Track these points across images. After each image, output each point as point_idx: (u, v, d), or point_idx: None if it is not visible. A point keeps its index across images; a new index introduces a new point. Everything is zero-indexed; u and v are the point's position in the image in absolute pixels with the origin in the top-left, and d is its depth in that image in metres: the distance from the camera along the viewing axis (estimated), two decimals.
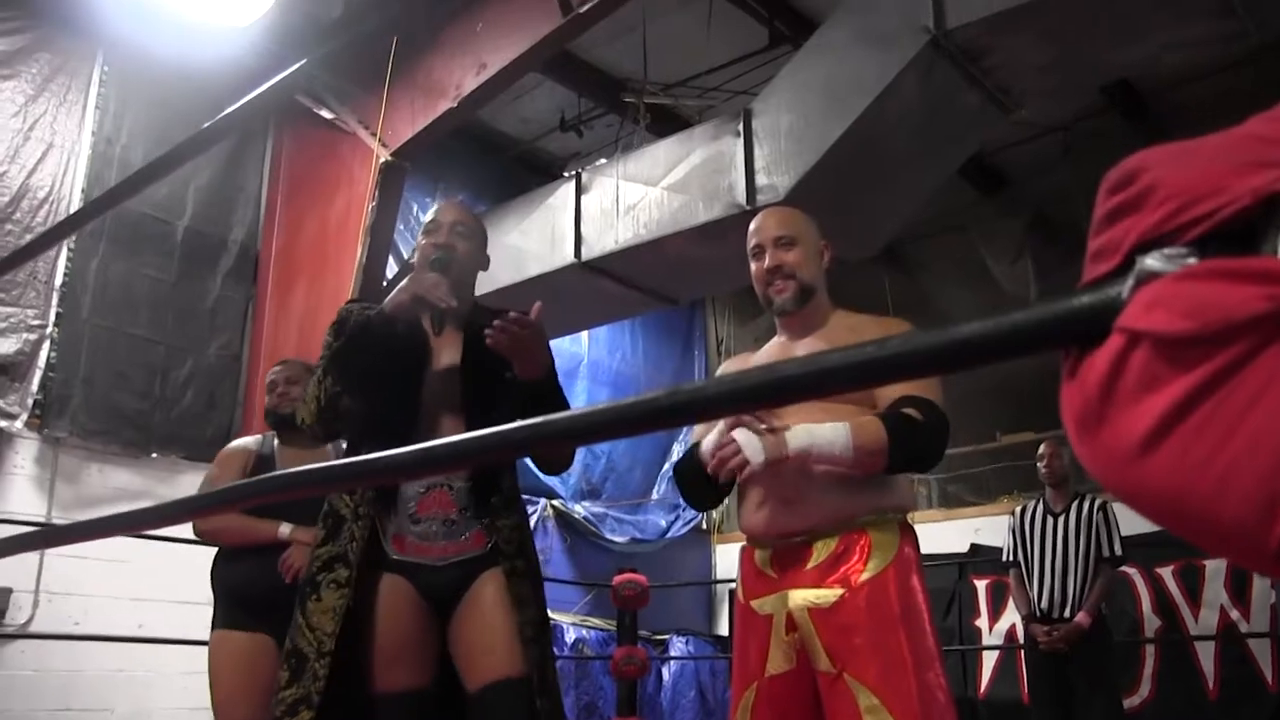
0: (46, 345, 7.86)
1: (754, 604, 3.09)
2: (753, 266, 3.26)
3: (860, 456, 2.83)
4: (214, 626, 4.57)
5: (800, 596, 2.96)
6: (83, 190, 8.20)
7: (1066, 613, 6.73)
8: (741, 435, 2.82)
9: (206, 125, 2.59)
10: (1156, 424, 0.70)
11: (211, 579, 4.68)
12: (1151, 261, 0.75)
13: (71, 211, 7.96)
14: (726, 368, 3.60)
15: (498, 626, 3.15)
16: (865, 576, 2.90)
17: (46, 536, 2.36)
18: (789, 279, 3.18)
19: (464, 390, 3.30)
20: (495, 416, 2.91)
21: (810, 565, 2.97)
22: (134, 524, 1.94)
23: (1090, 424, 0.76)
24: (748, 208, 6.97)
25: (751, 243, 3.27)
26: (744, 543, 3.22)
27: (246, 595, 4.47)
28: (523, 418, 2.92)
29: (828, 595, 2.91)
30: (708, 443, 2.98)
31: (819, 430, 2.82)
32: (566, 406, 3.16)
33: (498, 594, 3.17)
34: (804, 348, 3.17)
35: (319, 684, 3.07)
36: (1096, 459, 0.77)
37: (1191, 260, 0.73)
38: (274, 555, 4.42)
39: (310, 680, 3.09)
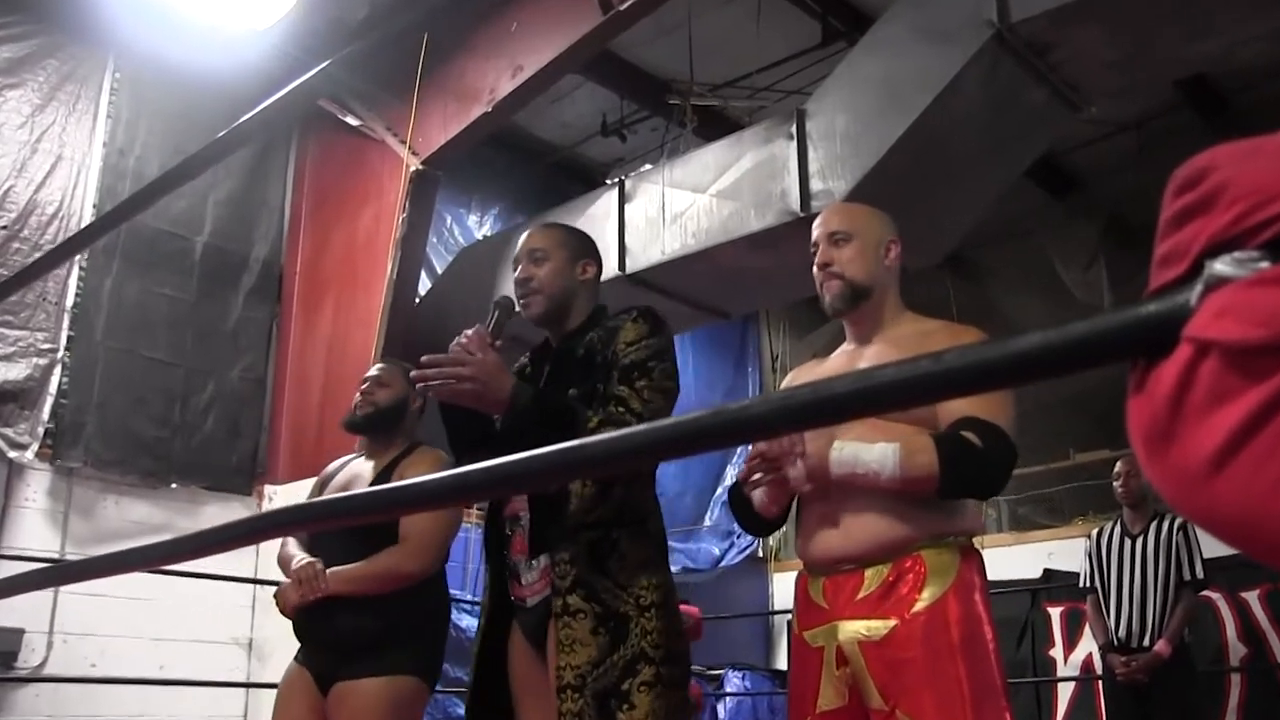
0: (58, 370, 7.87)
1: (806, 635, 3.09)
2: (814, 271, 3.29)
3: (908, 482, 2.82)
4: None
5: (851, 628, 2.94)
6: (94, 205, 8.24)
7: (1146, 641, 6.70)
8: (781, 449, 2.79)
9: (224, 133, 2.62)
10: (1227, 440, 0.70)
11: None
12: (1221, 266, 0.75)
13: (82, 227, 8.00)
14: (791, 378, 3.58)
15: (547, 676, 3.21)
16: (921, 605, 2.87)
17: (64, 572, 2.37)
18: (836, 277, 3.20)
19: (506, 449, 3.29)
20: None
21: (861, 594, 2.95)
22: (174, 555, 1.95)
23: (1158, 441, 0.76)
24: (802, 215, 6.94)
25: (811, 241, 3.31)
26: (800, 569, 3.22)
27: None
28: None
29: (879, 627, 2.89)
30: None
31: (867, 451, 2.81)
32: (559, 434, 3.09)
33: (551, 641, 3.20)
34: (870, 355, 3.18)
35: None
36: (1166, 478, 0.77)
37: (1264, 264, 0.73)
38: None
39: None
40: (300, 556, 4.26)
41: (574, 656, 3.10)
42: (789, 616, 3.31)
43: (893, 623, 2.88)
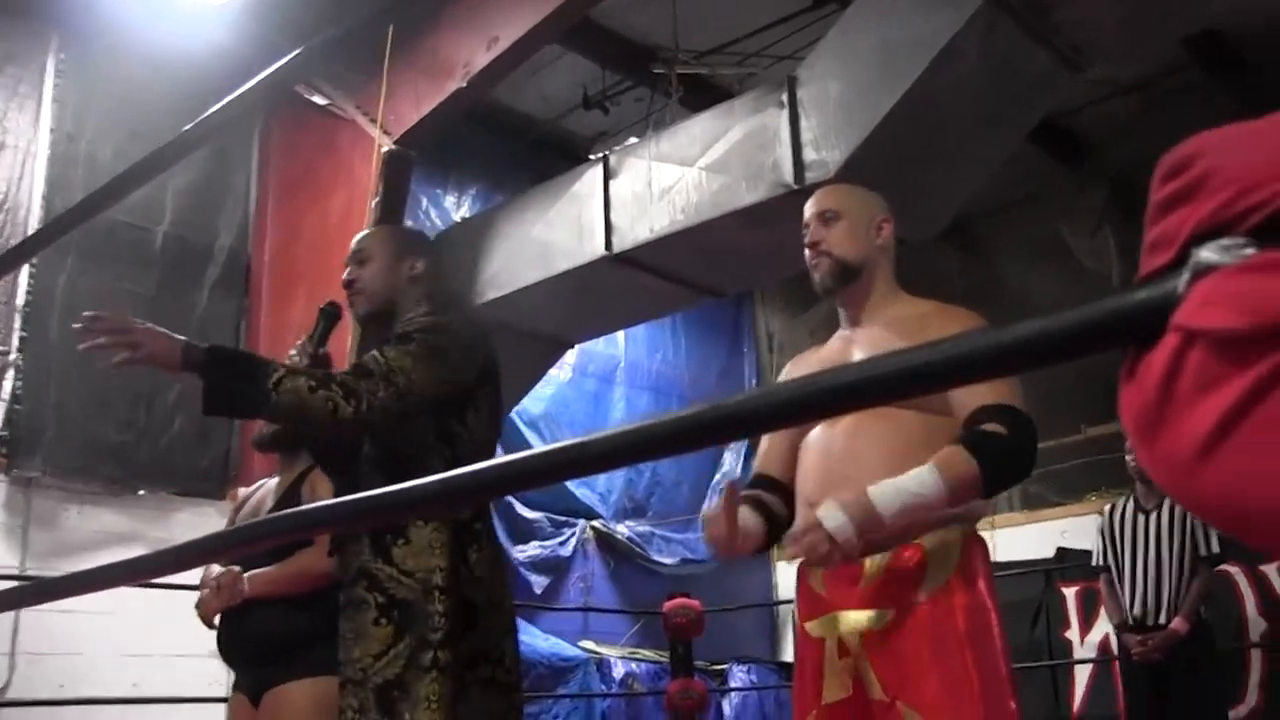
0: (10, 374, 7.81)
1: (808, 626, 3.17)
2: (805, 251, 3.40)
3: (956, 495, 2.86)
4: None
5: (851, 619, 3.02)
6: (44, 195, 8.16)
7: (1162, 619, 6.76)
8: (825, 513, 2.81)
9: (188, 128, 2.63)
10: (1215, 427, 0.75)
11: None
12: (1207, 253, 0.80)
13: (32, 220, 8.00)
14: (789, 370, 3.67)
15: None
16: (922, 595, 2.94)
17: (36, 590, 2.40)
18: (825, 255, 3.32)
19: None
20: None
21: (862, 584, 3.02)
22: (166, 567, 2.02)
23: (1149, 428, 0.81)
24: (795, 187, 6.97)
25: (803, 223, 3.42)
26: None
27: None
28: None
29: (880, 617, 2.97)
30: (788, 537, 3.01)
31: (905, 484, 2.83)
32: (240, 383, 3.18)
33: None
34: (863, 340, 3.27)
35: None
36: (1157, 465, 0.82)
37: (1250, 251, 0.78)
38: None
39: None
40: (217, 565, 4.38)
41: (355, 649, 3.25)
42: (794, 607, 3.38)
43: (893, 612, 2.95)
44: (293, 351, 3.40)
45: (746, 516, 3.21)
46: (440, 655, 3.23)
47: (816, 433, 3.24)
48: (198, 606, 4.44)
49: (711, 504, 3.17)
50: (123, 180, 2.76)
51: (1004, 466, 2.94)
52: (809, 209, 3.41)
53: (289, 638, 4.14)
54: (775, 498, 3.34)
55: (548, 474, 1.34)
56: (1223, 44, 9.77)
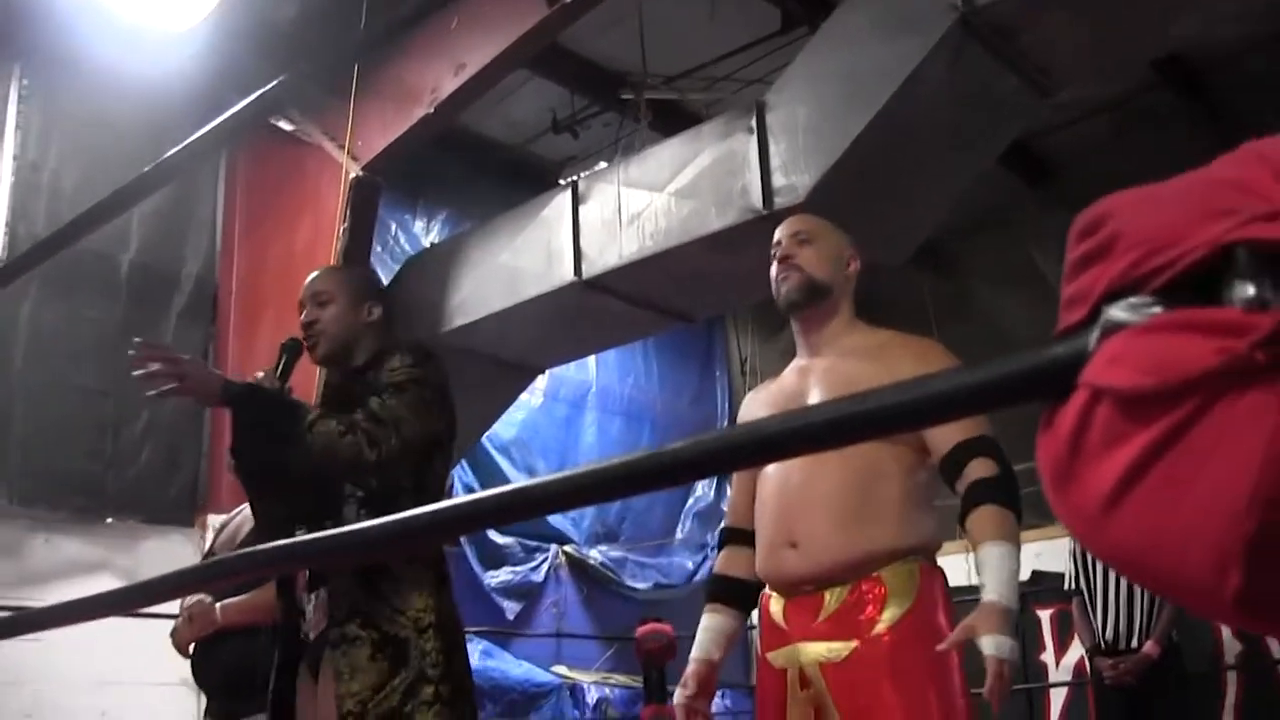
0: None
1: (769, 657, 3.25)
2: (771, 269, 3.49)
3: (1019, 547, 3.01)
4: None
5: (812, 650, 3.09)
6: (6, 224, 8.15)
7: (1134, 643, 6.83)
8: (996, 648, 2.89)
9: (155, 164, 2.67)
10: (1119, 481, 0.79)
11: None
12: (1117, 312, 0.84)
13: None
14: (748, 403, 3.75)
15: (324, 704, 3.43)
16: (882, 626, 3.01)
17: (8, 625, 2.47)
18: (795, 269, 3.41)
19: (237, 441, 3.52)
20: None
21: (822, 617, 3.10)
22: (149, 598, 2.06)
23: (1060, 479, 0.85)
24: (764, 212, 7.01)
25: (773, 243, 3.51)
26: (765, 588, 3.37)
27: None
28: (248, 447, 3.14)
29: (840, 649, 3.04)
30: None
31: (1009, 570, 2.98)
32: (277, 425, 3.37)
33: (328, 668, 3.44)
34: (819, 371, 3.36)
35: None
36: (1068, 515, 0.86)
37: (1156, 310, 0.82)
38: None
39: None
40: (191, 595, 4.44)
41: (354, 684, 3.32)
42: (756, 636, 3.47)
43: (854, 644, 3.02)
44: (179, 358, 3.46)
45: (722, 626, 3.48)
46: (441, 690, 3.38)
47: (773, 465, 3.30)
48: (172, 635, 4.50)
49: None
50: (91, 215, 2.80)
51: (1016, 499, 3.07)
52: (782, 230, 3.51)
53: (260, 668, 4.17)
54: (745, 558, 3.45)
55: (500, 515, 1.38)
56: (1186, 68, 9.87)
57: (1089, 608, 7.11)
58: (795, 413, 1.03)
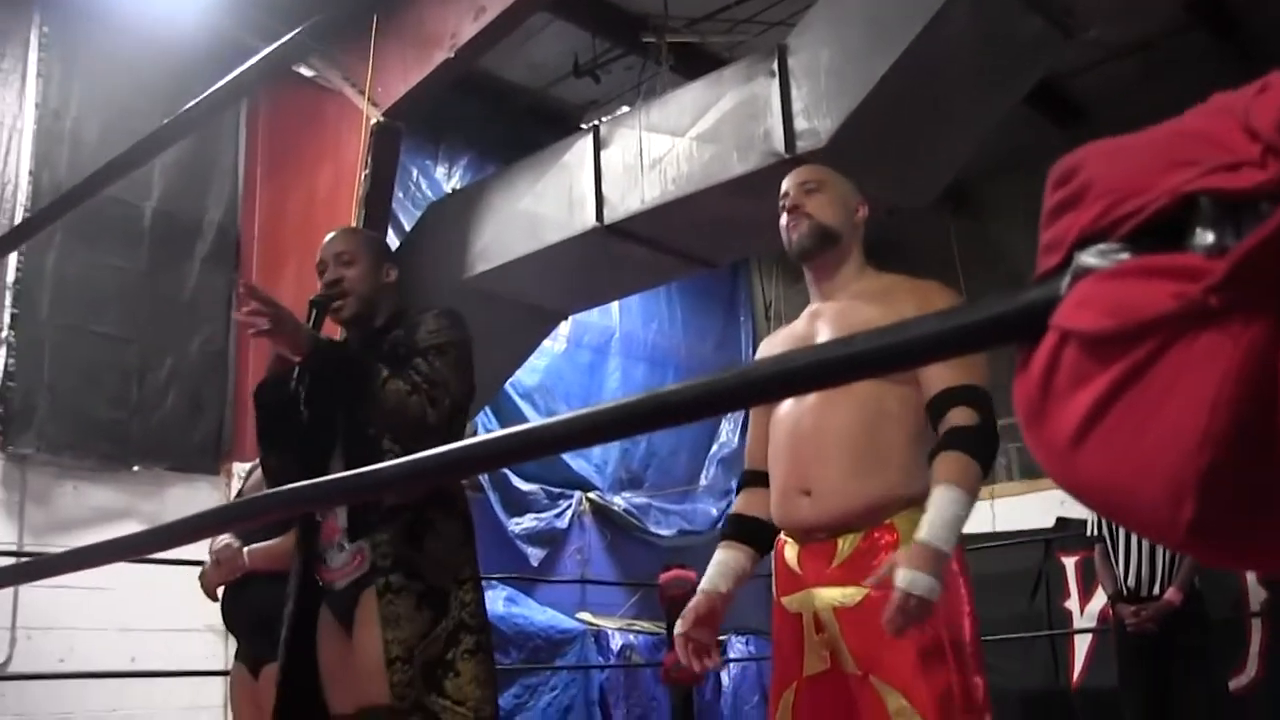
0: (3, 351, 7.89)
1: (784, 601, 3.33)
2: (780, 219, 3.57)
3: (974, 496, 3.03)
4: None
5: (825, 595, 3.17)
6: (30, 172, 8.23)
7: (1156, 590, 6.86)
8: (908, 581, 2.88)
9: (179, 113, 2.73)
10: (1084, 418, 0.84)
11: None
12: (1087, 258, 0.89)
13: (20, 196, 8.09)
14: (763, 348, 3.83)
15: (365, 650, 3.53)
16: (882, 572, 3.05)
17: (37, 567, 2.51)
18: (805, 217, 3.48)
19: (312, 397, 3.68)
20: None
21: (835, 563, 3.16)
22: (159, 543, 2.12)
23: (1033, 418, 0.90)
24: (787, 156, 7.01)
25: (780, 194, 3.59)
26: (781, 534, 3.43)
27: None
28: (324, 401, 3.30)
29: (853, 594, 3.10)
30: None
31: (949, 512, 2.97)
32: (353, 381, 3.49)
33: (368, 615, 3.54)
34: (830, 314, 3.44)
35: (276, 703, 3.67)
36: (1039, 451, 0.91)
37: (1124, 256, 0.87)
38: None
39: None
40: (220, 537, 4.52)
41: (400, 630, 3.45)
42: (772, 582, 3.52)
43: (866, 590, 3.06)
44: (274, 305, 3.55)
45: (732, 561, 3.54)
46: (480, 639, 3.58)
47: (785, 410, 3.37)
48: (200, 579, 4.59)
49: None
50: (111, 168, 2.85)
51: (988, 453, 3.11)
52: (788, 181, 3.59)
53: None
54: (764, 499, 3.54)
55: (516, 454, 1.43)
56: (1218, 7, 9.83)
57: (1111, 555, 7.14)
58: (781, 357, 1.08)
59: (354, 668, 3.57)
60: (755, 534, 3.57)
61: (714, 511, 12.60)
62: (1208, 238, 0.83)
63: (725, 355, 13.63)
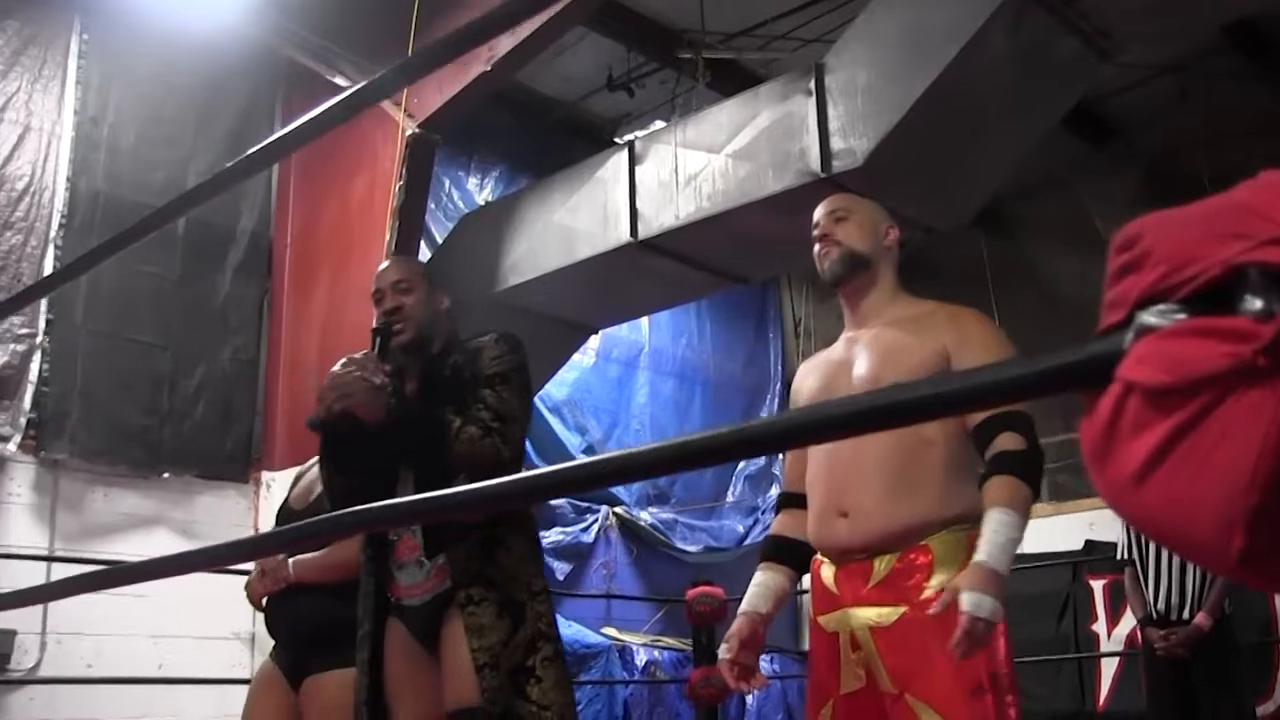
0: (38, 356, 7.99)
1: (821, 620, 3.45)
2: (814, 248, 3.73)
3: (1027, 521, 3.16)
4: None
5: (861, 615, 3.29)
6: (68, 178, 8.36)
7: (1186, 614, 6.91)
8: (972, 604, 2.99)
9: (214, 175, 2.80)
10: (1146, 460, 0.97)
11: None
12: (1148, 317, 1.01)
13: (57, 202, 8.23)
14: (801, 373, 3.92)
15: (454, 657, 3.66)
16: (929, 593, 3.18)
17: (106, 576, 2.60)
18: (835, 245, 3.62)
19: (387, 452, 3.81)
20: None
21: (871, 583, 3.29)
22: (227, 558, 2.25)
23: (1099, 457, 1.03)
24: (822, 175, 7.11)
25: (812, 224, 3.73)
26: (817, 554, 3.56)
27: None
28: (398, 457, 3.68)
29: (889, 614, 3.23)
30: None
31: (1006, 536, 3.09)
32: (433, 431, 3.66)
33: (455, 628, 3.68)
34: (866, 341, 3.57)
35: None
36: (1104, 486, 1.04)
37: (1181, 316, 1.00)
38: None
39: None
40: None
41: (485, 639, 3.60)
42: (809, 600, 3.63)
43: (902, 609, 3.19)
44: (353, 368, 3.69)
45: (772, 583, 3.66)
46: (557, 647, 3.75)
47: (803, 408, 3.47)
48: (246, 589, 4.70)
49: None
50: (145, 223, 2.87)
51: (1037, 477, 3.24)
52: (819, 211, 3.74)
53: (333, 625, 4.31)
54: (803, 520, 3.66)
55: (595, 482, 1.54)
56: (1254, 30, 9.88)
57: (1141, 579, 7.20)
58: (843, 401, 1.19)
59: (439, 678, 3.70)
60: (794, 555, 3.69)
61: (740, 528, 12.69)
62: (1256, 304, 0.95)
63: (754, 372, 13.71)
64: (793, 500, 3.76)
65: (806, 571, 3.68)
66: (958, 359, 3.30)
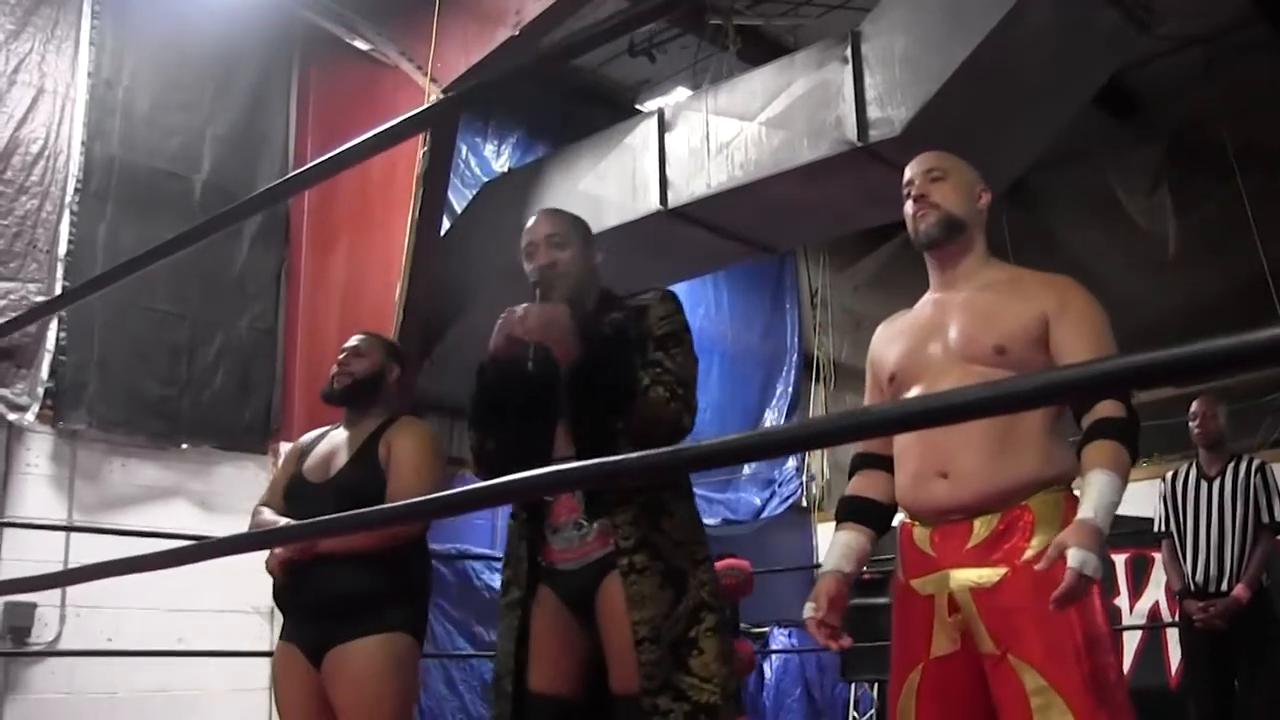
0: (54, 326, 8.01)
1: (914, 584, 3.49)
2: (905, 207, 3.70)
3: (1126, 483, 3.23)
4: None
5: (962, 576, 3.34)
6: (83, 142, 8.36)
7: (1224, 586, 6.98)
8: (1078, 559, 3.04)
9: (224, 210, 2.74)
10: None
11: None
12: None
13: (72, 166, 8.25)
14: (880, 332, 3.93)
15: (614, 636, 3.62)
16: (1030, 553, 3.24)
17: (139, 561, 2.60)
18: (934, 208, 3.60)
19: (568, 400, 3.73)
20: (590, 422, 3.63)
21: (971, 544, 3.35)
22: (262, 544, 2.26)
23: None
24: (859, 144, 7.16)
25: (904, 181, 3.71)
26: (902, 518, 3.61)
27: None
28: (580, 408, 3.56)
29: (990, 575, 3.28)
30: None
31: (1108, 498, 3.15)
32: (626, 382, 3.59)
33: (614, 599, 3.62)
34: (958, 305, 3.58)
35: (507, 703, 3.73)
36: None
37: None
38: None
39: (503, 700, 3.75)
40: (285, 519, 4.63)
41: (645, 610, 3.54)
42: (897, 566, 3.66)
43: (1003, 571, 3.26)
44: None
45: (854, 542, 3.69)
46: (720, 617, 3.66)
47: (914, 396, 3.50)
48: (268, 560, 4.70)
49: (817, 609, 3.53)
50: (148, 256, 2.80)
51: (1136, 442, 3.28)
52: (913, 168, 3.69)
53: (360, 593, 4.37)
54: (882, 481, 3.72)
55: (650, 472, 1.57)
56: None
57: (1179, 550, 7.27)
58: (999, 383, 1.19)
59: (567, 650, 3.71)
60: (874, 515, 3.73)
61: (757, 501, 12.77)
62: None
63: (771, 342, 13.79)
64: (869, 461, 3.79)
65: (886, 532, 3.73)
66: (1058, 325, 3.36)
